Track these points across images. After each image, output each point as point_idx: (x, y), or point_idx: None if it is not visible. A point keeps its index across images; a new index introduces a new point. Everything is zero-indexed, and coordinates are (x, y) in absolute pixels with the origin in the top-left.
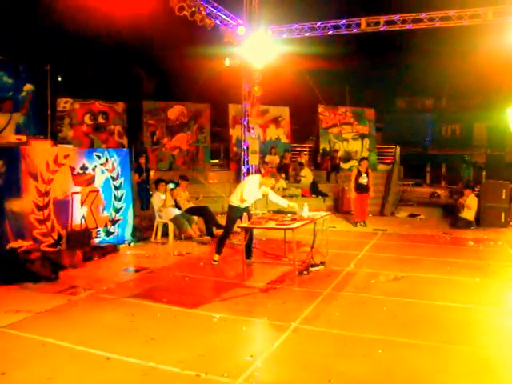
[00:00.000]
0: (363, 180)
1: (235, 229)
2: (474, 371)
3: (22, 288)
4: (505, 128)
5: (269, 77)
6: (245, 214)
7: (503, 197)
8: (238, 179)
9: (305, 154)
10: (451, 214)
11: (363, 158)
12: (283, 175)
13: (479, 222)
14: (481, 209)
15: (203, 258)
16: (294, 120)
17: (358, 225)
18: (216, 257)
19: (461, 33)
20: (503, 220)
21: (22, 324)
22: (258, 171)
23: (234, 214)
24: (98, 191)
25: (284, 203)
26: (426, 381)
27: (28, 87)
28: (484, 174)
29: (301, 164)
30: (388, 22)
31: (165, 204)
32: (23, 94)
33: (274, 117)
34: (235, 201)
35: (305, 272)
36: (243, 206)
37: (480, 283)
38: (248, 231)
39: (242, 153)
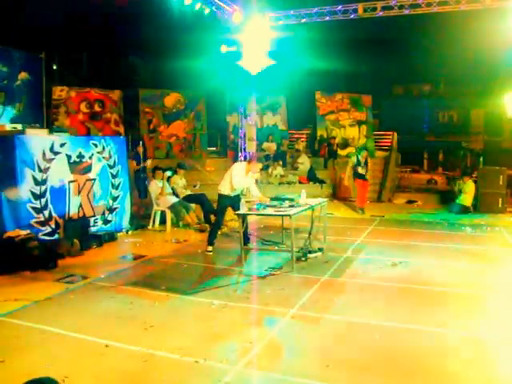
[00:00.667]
0: (362, 170)
1: (232, 216)
2: (473, 356)
3: (20, 277)
4: (502, 114)
5: (265, 63)
6: (242, 200)
7: (500, 183)
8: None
9: (302, 141)
10: (448, 200)
11: (364, 149)
12: (280, 162)
13: (476, 207)
14: (478, 194)
15: (201, 246)
16: (290, 107)
17: (363, 211)
18: (209, 248)
19: (459, 18)
20: (500, 205)
21: (20, 312)
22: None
23: (224, 202)
24: (94, 179)
25: (255, 193)
26: (424, 366)
27: (23, 75)
28: (481, 159)
29: (298, 150)
30: (385, 8)
31: (162, 192)
32: (18, 82)
33: (270, 104)
34: (224, 189)
35: (303, 258)
36: (233, 194)
37: (477, 268)
38: (245, 218)
39: (239, 140)
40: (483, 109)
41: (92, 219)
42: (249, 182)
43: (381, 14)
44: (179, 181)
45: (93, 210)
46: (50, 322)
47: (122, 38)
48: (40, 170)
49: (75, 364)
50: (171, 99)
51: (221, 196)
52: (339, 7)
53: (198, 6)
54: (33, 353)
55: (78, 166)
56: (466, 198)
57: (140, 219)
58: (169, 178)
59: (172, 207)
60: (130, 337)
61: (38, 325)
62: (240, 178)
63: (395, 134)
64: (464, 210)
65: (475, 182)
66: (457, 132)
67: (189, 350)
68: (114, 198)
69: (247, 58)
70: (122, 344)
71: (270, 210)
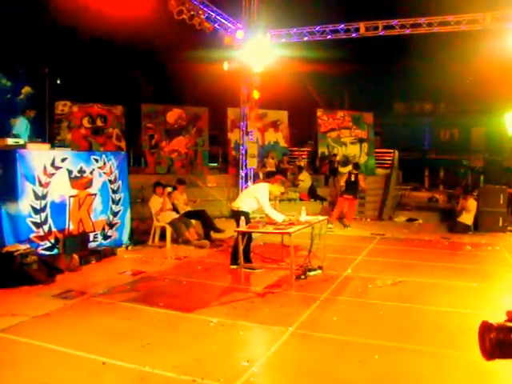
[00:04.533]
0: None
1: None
2: (472, 377)
3: (18, 292)
4: (503, 133)
5: (268, 81)
6: (242, 217)
7: (501, 202)
8: (236, 183)
9: (303, 158)
10: (449, 218)
11: (354, 165)
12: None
13: (477, 226)
14: (479, 213)
15: (201, 262)
16: (292, 124)
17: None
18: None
19: (459, 38)
20: (501, 225)
21: (17, 328)
22: (257, 175)
23: (246, 218)
24: (95, 194)
25: (279, 218)
26: None
27: (26, 90)
28: (482, 178)
29: (300, 167)
30: (386, 27)
31: (163, 208)
32: (21, 96)
33: (272, 121)
34: (246, 207)
35: (302, 276)
36: (251, 211)
37: (478, 288)
38: (245, 235)
39: (241, 156)
40: (484, 127)
41: (92, 234)
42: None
43: (382, 33)
44: (180, 196)
45: (93, 225)
46: (46, 338)
47: (125, 53)
48: (40, 185)
49: (71, 382)
50: (173, 115)
51: (242, 213)
52: (341, 26)
53: (201, 23)
54: (28, 369)
55: (78, 180)
56: (467, 216)
57: (140, 235)
58: (169, 194)
59: (172, 223)
60: (127, 354)
61: (34, 341)
62: (269, 204)
63: (396, 151)
64: (465, 229)
65: (476, 200)
66: (458, 150)
67: (186, 369)
68: (115, 214)
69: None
70: (119, 361)
71: (269, 228)
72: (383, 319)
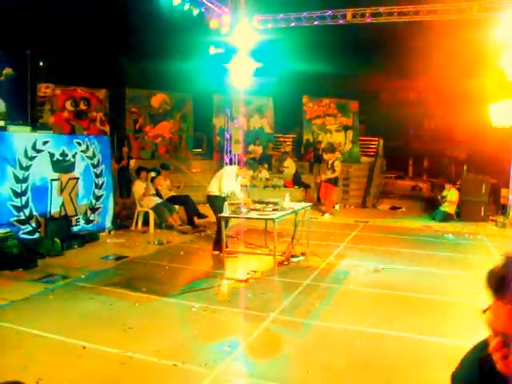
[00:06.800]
0: (328, 172)
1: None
2: (453, 364)
3: None
4: (486, 123)
5: (253, 66)
6: (226, 203)
7: (483, 191)
8: (220, 168)
9: (288, 145)
10: (432, 207)
11: (330, 150)
12: (266, 166)
13: (459, 215)
14: (461, 203)
15: (184, 247)
16: (277, 110)
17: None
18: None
19: (447, 27)
20: (483, 214)
21: None
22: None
23: (219, 202)
24: (77, 178)
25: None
26: (404, 373)
27: (7, 71)
28: (465, 168)
29: (286, 152)
30: (374, 14)
31: (146, 193)
32: (1, 78)
33: (257, 107)
34: (216, 190)
35: (285, 263)
36: (223, 195)
37: (459, 276)
38: (229, 221)
39: (225, 142)
40: (468, 117)
41: (74, 218)
42: (236, 187)
43: (369, 20)
44: (163, 182)
45: (75, 209)
46: (26, 323)
47: (109, 37)
48: (21, 168)
49: (51, 366)
50: (158, 99)
51: (215, 197)
52: (328, 12)
53: (186, 7)
54: (8, 354)
55: (61, 164)
56: (450, 205)
57: (123, 219)
58: (153, 179)
59: (155, 208)
60: (109, 339)
61: (13, 325)
62: (229, 182)
63: (381, 140)
64: (447, 218)
65: (458, 189)
66: (442, 140)
67: (167, 353)
68: (97, 198)
69: (236, 75)
70: (100, 346)
71: (253, 214)
72: (365, 306)
